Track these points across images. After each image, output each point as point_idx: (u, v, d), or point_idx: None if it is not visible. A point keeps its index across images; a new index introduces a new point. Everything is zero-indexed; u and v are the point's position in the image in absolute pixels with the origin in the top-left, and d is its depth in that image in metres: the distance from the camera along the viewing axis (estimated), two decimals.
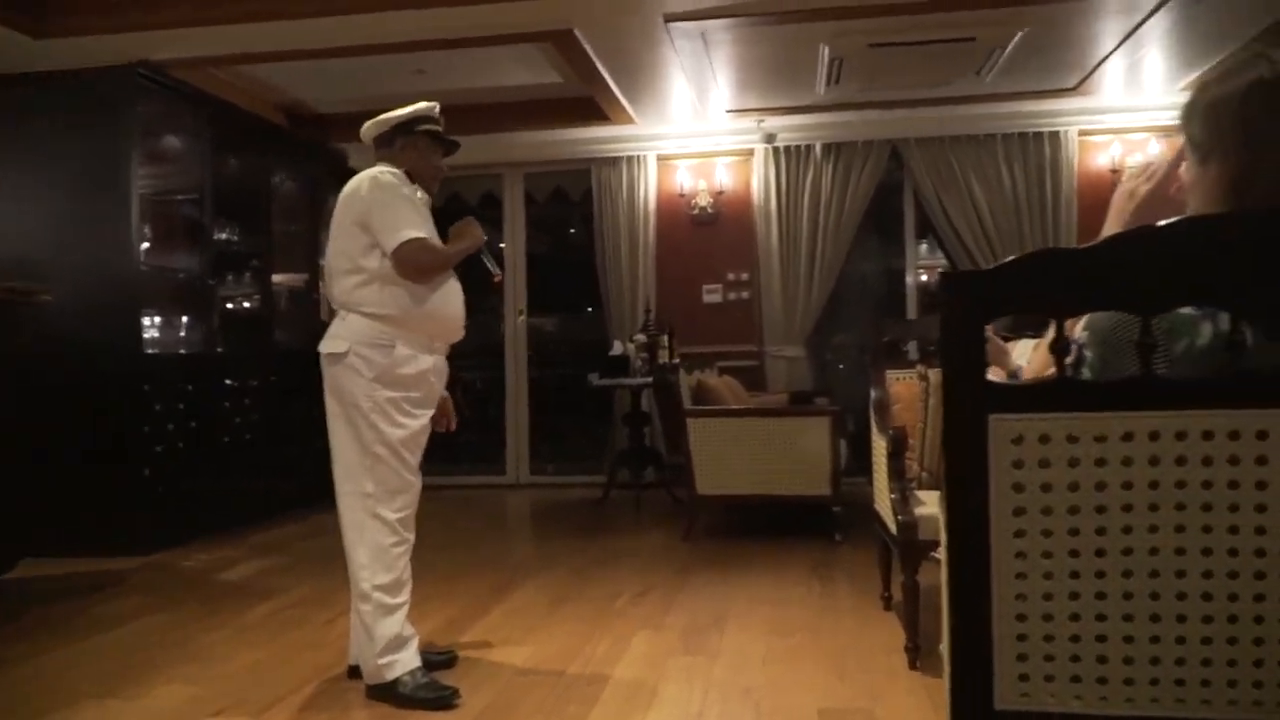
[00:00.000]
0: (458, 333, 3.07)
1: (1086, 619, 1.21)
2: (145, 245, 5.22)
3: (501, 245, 7.78)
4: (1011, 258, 1.13)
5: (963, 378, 1.18)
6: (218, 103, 5.78)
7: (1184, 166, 1.38)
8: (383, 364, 2.83)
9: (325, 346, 2.89)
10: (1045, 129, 6.95)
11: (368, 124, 3.06)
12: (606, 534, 5.60)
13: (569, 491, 7.27)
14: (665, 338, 6.41)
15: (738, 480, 5.22)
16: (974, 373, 1.17)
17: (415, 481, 2.95)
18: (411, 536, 2.95)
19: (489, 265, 3.12)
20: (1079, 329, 1.35)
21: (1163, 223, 1.11)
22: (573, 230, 8.32)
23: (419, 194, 3.02)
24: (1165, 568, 1.18)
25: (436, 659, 3.08)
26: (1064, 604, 1.21)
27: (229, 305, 6.16)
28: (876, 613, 3.73)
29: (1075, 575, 1.20)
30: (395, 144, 3.04)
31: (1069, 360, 1.47)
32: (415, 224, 2.86)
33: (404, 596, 2.89)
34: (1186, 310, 1.22)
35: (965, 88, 6.31)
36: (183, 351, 5.57)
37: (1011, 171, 6.97)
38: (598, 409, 7.66)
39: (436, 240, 2.96)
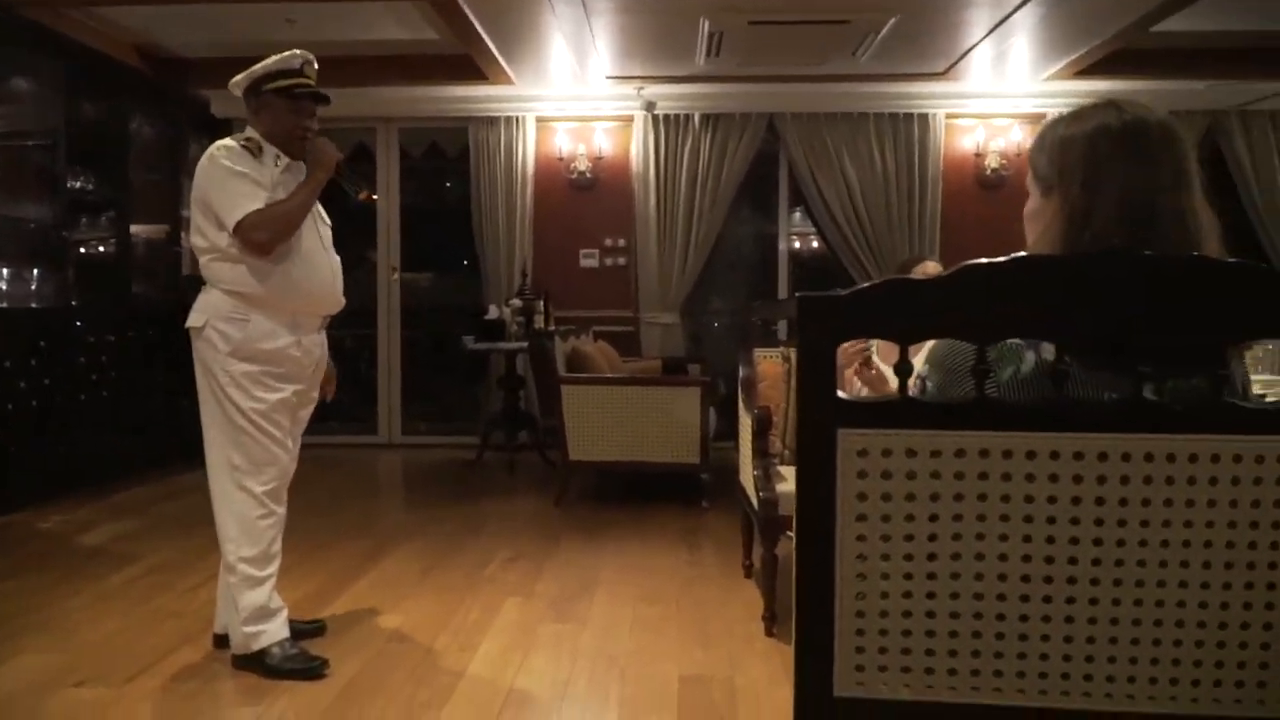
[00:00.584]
0: (326, 307, 2.98)
1: (917, 615, 1.33)
2: None
3: (375, 198, 7.58)
4: (863, 285, 1.22)
5: (816, 393, 1.27)
6: (72, 44, 5.45)
7: (1028, 201, 1.50)
8: (238, 339, 2.77)
9: (189, 320, 2.83)
10: (915, 110, 7.20)
11: (231, 82, 2.93)
12: (479, 497, 5.62)
13: (442, 452, 7.25)
14: (541, 303, 6.43)
15: (610, 447, 5.32)
16: (826, 389, 1.26)
17: (283, 455, 2.89)
18: (281, 509, 2.92)
19: (348, 188, 3.00)
20: (921, 356, 1.47)
21: (998, 260, 1.22)
22: (449, 184, 8.19)
23: (278, 159, 2.86)
24: (989, 572, 1.30)
25: (305, 628, 3.07)
26: (898, 601, 1.32)
27: (84, 256, 5.85)
28: (738, 581, 3.89)
29: (909, 576, 1.31)
30: (250, 104, 2.91)
31: (913, 382, 1.59)
32: (250, 196, 2.73)
33: (271, 569, 2.87)
34: (1014, 340, 1.34)
35: (841, 67, 6.48)
36: (34, 305, 5.29)
37: (882, 150, 7.22)
38: (472, 370, 7.63)
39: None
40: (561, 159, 7.35)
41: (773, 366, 3.93)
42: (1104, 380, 1.32)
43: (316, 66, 2.95)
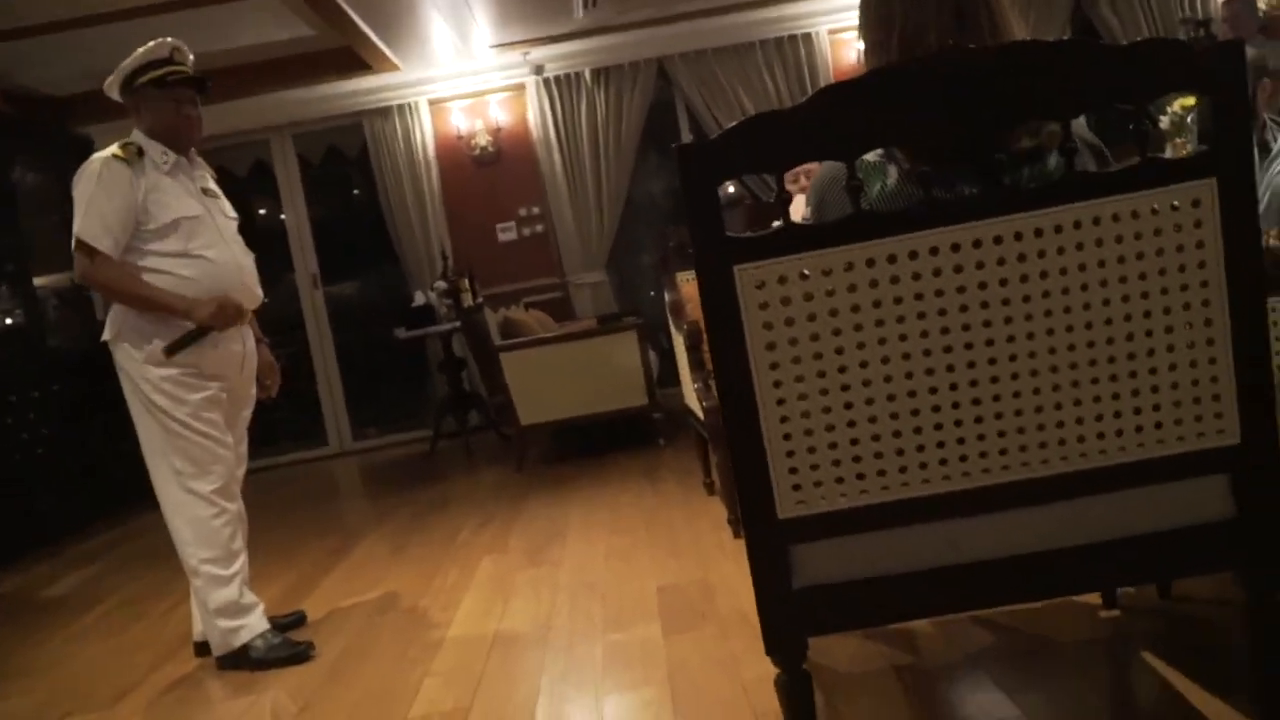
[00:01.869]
0: (241, 302, 2.88)
1: (839, 427, 1.41)
2: None
3: (282, 216, 7.53)
4: (731, 125, 1.29)
5: (707, 236, 1.34)
6: None
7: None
8: (148, 348, 2.75)
9: (104, 334, 2.82)
10: (799, 31, 7.30)
11: (105, 85, 2.85)
12: (440, 481, 5.65)
13: (396, 450, 7.25)
14: (466, 280, 6.43)
15: (558, 405, 5.38)
16: (716, 230, 1.34)
17: (223, 452, 2.85)
18: (233, 506, 2.89)
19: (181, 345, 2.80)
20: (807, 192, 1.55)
21: (850, 79, 1.30)
22: (356, 191, 8.13)
23: (164, 155, 2.79)
24: (895, 371, 1.39)
25: (285, 622, 3.09)
26: (819, 418, 1.41)
27: None
28: (702, 499, 3.99)
29: (824, 392, 1.40)
30: (128, 103, 2.82)
31: (805, 215, 1.67)
32: (98, 223, 2.65)
33: (236, 566, 2.85)
34: (874, 159, 1.43)
35: None
36: None
37: (774, 76, 7.31)
38: (412, 364, 7.62)
39: (182, 209, 2.77)
40: (461, 137, 7.33)
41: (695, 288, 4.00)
42: (966, 178, 1.41)
43: (191, 55, 2.87)
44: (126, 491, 5.92)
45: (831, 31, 7.38)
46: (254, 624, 2.86)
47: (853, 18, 7.25)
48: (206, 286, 2.79)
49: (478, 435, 6.70)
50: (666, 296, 3.86)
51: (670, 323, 3.86)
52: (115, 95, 2.85)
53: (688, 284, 4.03)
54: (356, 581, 3.65)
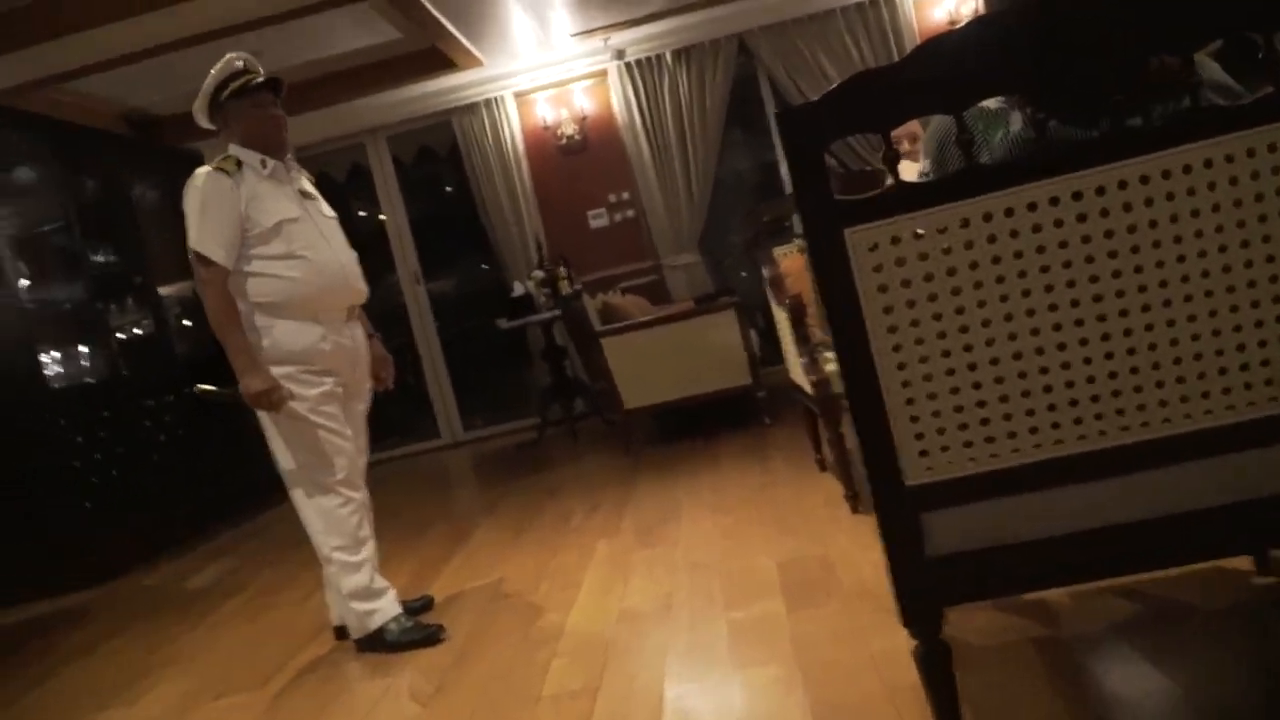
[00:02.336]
0: (343, 299, 3.00)
1: (964, 389, 1.38)
2: (24, 283, 5.10)
3: (381, 217, 7.73)
4: (832, 86, 1.27)
5: (815, 201, 1.33)
6: (61, 125, 5.59)
7: None
8: (266, 345, 2.85)
9: None
10: None
11: (194, 112, 2.99)
12: (549, 468, 5.74)
13: (505, 439, 7.39)
14: (562, 269, 6.50)
15: (661, 388, 5.40)
16: (823, 194, 1.32)
17: (344, 443, 2.95)
18: (358, 495, 3.00)
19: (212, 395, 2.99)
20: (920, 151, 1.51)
21: (959, 25, 1.27)
22: (449, 188, 8.28)
23: (263, 163, 2.91)
24: (1020, 329, 1.35)
25: (414, 606, 3.19)
26: (943, 381, 1.38)
27: (122, 326, 6.03)
28: (813, 476, 3.96)
29: (946, 354, 1.37)
30: (216, 121, 2.96)
31: (921, 176, 1.63)
32: (214, 239, 2.78)
33: (365, 553, 2.97)
34: (995, 105, 1.39)
35: None
36: (89, 380, 5.48)
37: (857, 42, 7.16)
38: (515, 355, 7.74)
39: (283, 212, 2.88)
40: (547, 128, 7.39)
41: (794, 261, 3.97)
42: (1089, 123, 1.36)
43: (259, 64, 2.99)
44: (253, 489, 6.22)
45: None
46: (387, 608, 2.96)
47: None
48: (316, 285, 2.90)
49: (583, 421, 6.78)
50: (764, 272, 3.83)
51: (770, 298, 3.83)
52: (204, 121, 2.99)
53: (785, 258, 4.00)
54: (477, 566, 3.74)
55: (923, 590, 1.44)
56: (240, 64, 2.94)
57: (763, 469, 4.32)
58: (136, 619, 4.13)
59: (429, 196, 8.29)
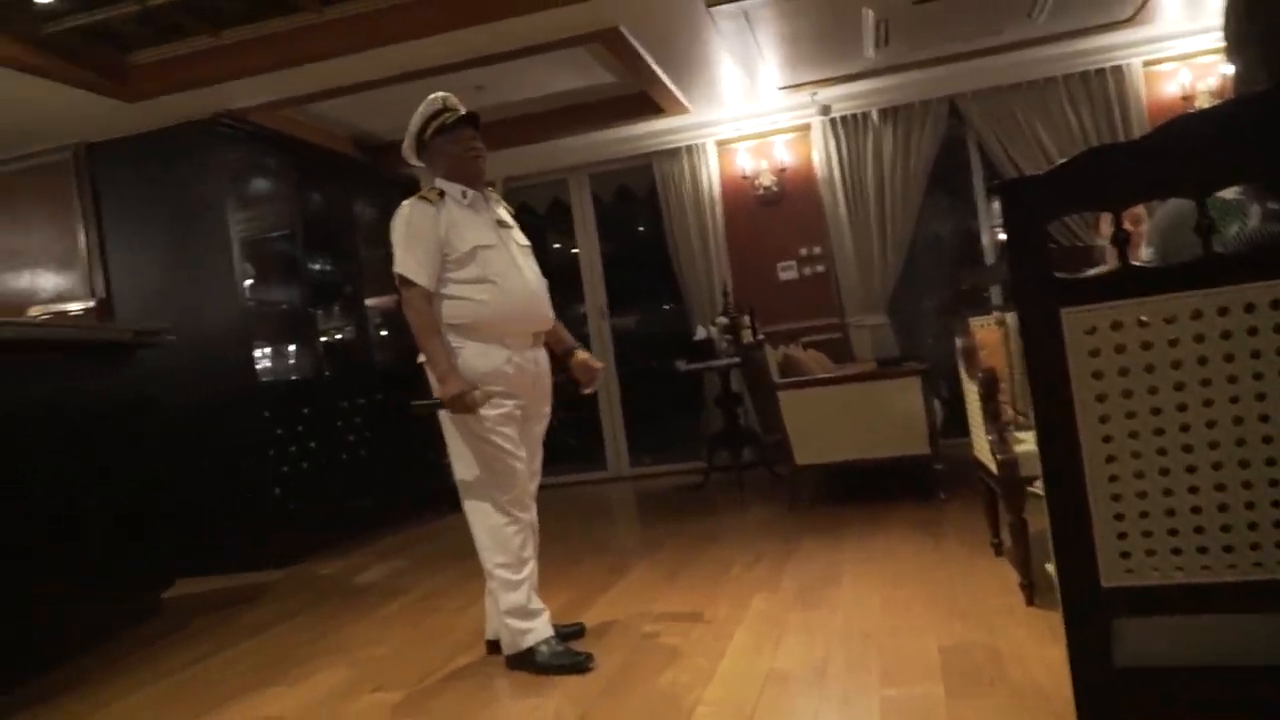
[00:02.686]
0: (531, 324, 3.15)
1: (1179, 492, 1.29)
2: (248, 282, 5.56)
3: (574, 251, 7.97)
4: (1062, 160, 1.22)
5: (1032, 277, 1.28)
6: (296, 142, 6.09)
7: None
8: (456, 365, 2.99)
9: (418, 358, 3.10)
10: (1107, 64, 6.82)
11: (403, 153, 3.23)
12: (712, 513, 5.72)
13: (670, 479, 7.42)
14: (746, 317, 6.50)
15: (835, 447, 5.29)
16: (1042, 271, 1.27)
17: (517, 465, 3.06)
18: (525, 516, 3.10)
19: (424, 409, 3.05)
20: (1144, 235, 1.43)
21: (1204, 108, 1.19)
22: (642, 228, 8.47)
23: (464, 194, 3.09)
24: (1251, 435, 1.25)
25: (566, 631, 3.23)
26: (1156, 480, 1.29)
27: (328, 330, 6.47)
28: (987, 560, 3.77)
29: (1162, 452, 1.28)
30: (423, 157, 3.18)
31: (1146, 259, 1.54)
32: (420, 265, 2.97)
33: (525, 573, 3.05)
34: (1232, 195, 1.30)
35: (1018, 32, 6.27)
36: (294, 378, 5.91)
37: (1077, 112, 6.87)
38: (688, 397, 7.79)
39: (479, 239, 3.04)
40: (746, 177, 7.45)
41: (990, 334, 3.82)
42: None
43: (458, 102, 3.19)
44: (427, 496, 6.51)
45: (1147, 64, 6.83)
46: (540, 629, 3.03)
47: (1171, 48, 6.77)
48: (506, 310, 3.05)
49: (750, 471, 6.73)
50: (958, 342, 3.70)
51: (961, 369, 3.70)
52: (412, 158, 3.22)
53: (981, 330, 3.85)
54: (631, 602, 3.76)
55: (1108, 701, 1.34)
56: (440, 103, 3.15)
57: (934, 545, 4.16)
58: (307, 606, 4.38)
59: (622, 234, 8.49)
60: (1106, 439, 1.30)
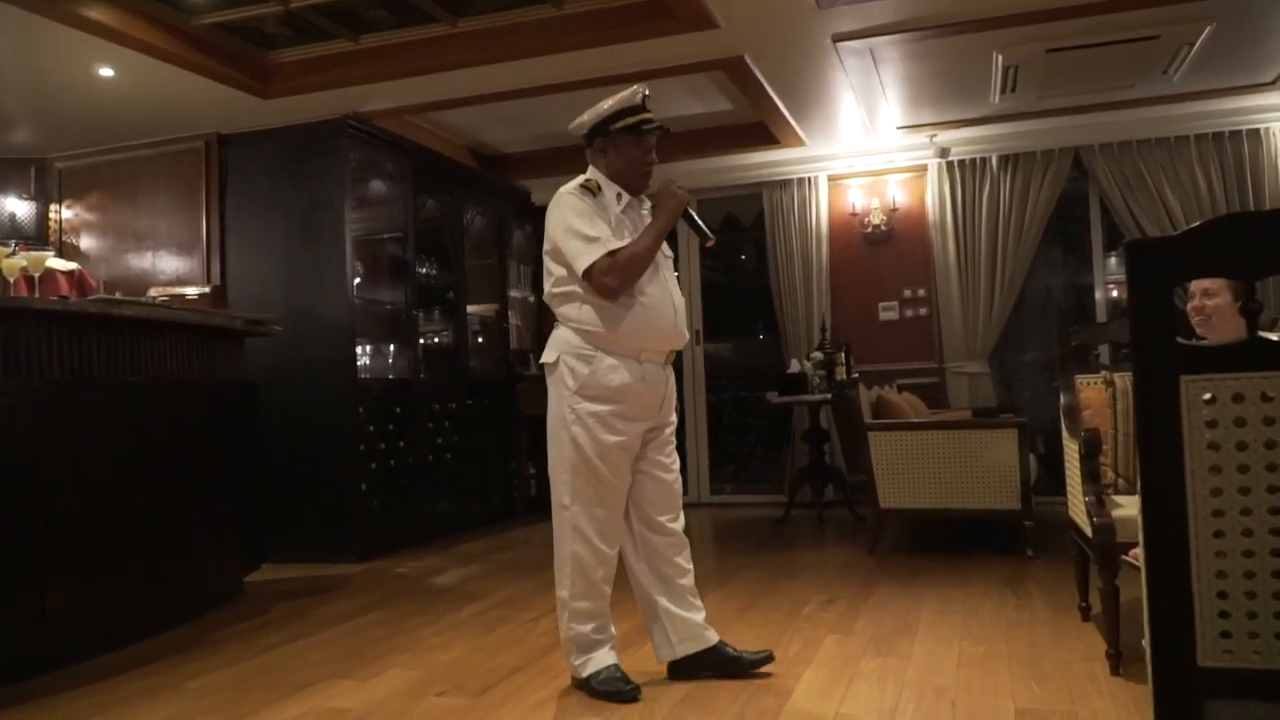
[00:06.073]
0: (670, 343, 3.01)
1: None
2: (357, 281, 5.73)
3: (676, 274, 7.99)
4: (1197, 223, 1.19)
5: (1153, 341, 1.24)
6: (416, 148, 6.27)
7: None
8: (584, 374, 2.90)
9: (543, 356, 3.04)
10: (1243, 127, 6.58)
11: (574, 123, 3.04)
12: (789, 549, 5.65)
13: (749, 510, 7.36)
14: (842, 355, 6.44)
15: (922, 494, 5.19)
16: (1164, 335, 1.23)
17: (614, 500, 2.96)
18: (608, 549, 2.99)
19: (700, 228, 2.99)
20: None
21: None
22: (744, 257, 8.47)
23: (620, 197, 2.97)
24: None
25: (753, 658, 3.12)
26: (1265, 561, 1.24)
27: (428, 334, 6.63)
28: (1074, 624, 3.65)
29: (1276, 532, 1.23)
30: (594, 145, 3.01)
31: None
32: (598, 243, 2.83)
33: (591, 602, 2.97)
34: None
35: (1151, 88, 6.09)
36: (391, 377, 6.06)
37: (1207, 173, 6.64)
38: (775, 430, 7.73)
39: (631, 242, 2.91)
40: (855, 214, 7.39)
41: (1096, 394, 3.71)
42: None
43: (650, 100, 3.04)
44: (510, 506, 6.60)
45: None
46: (600, 658, 2.98)
47: None
48: (649, 325, 2.93)
49: (831, 509, 6.64)
50: (1062, 399, 3.60)
51: (1063, 426, 3.59)
52: (580, 133, 3.05)
53: (1086, 388, 3.74)
54: None
55: None
56: (640, 100, 2.99)
57: (1017, 603, 4.03)
58: (382, 603, 4.46)
59: (725, 262, 8.50)
60: (1217, 513, 1.25)
